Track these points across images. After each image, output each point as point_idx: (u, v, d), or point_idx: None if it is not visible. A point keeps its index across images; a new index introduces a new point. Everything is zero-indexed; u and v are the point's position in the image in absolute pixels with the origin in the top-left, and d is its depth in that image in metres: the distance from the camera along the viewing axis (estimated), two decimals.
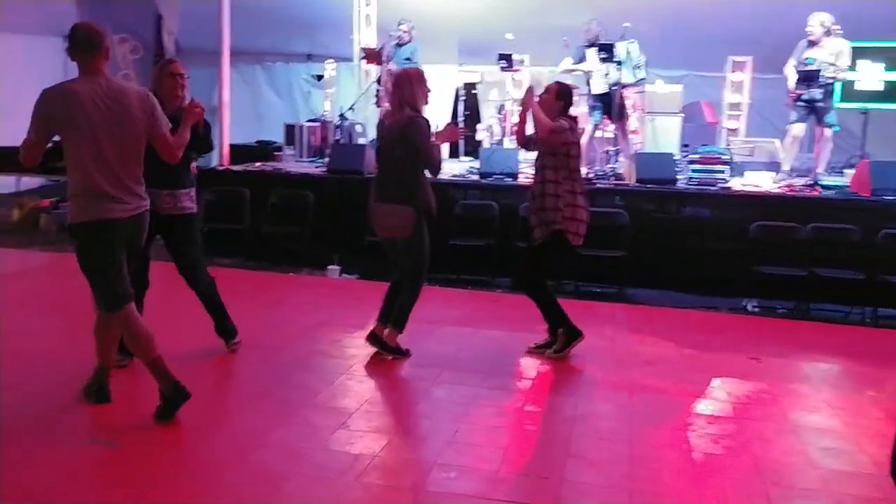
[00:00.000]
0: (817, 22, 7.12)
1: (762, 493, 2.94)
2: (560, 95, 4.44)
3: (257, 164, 8.39)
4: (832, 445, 3.42)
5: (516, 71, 8.86)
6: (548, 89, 4.50)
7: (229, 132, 8.30)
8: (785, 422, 3.72)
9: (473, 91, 10.66)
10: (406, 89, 4.21)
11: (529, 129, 4.60)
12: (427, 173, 4.26)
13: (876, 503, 2.89)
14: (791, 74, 7.23)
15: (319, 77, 11.82)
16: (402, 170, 4.19)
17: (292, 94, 13.32)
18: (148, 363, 3.39)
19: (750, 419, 3.73)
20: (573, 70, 7.91)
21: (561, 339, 4.57)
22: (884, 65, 8.45)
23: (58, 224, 8.13)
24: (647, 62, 8.02)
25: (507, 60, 8.15)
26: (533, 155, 4.66)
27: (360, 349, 4.54)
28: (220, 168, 8.06)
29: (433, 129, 4.27)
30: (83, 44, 3.24)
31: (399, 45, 8.35)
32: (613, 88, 7.71)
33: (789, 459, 3.28)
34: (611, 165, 7.89)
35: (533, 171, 4.57)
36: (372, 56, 8.78)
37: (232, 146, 8.40)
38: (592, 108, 7.99)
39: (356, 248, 6.79)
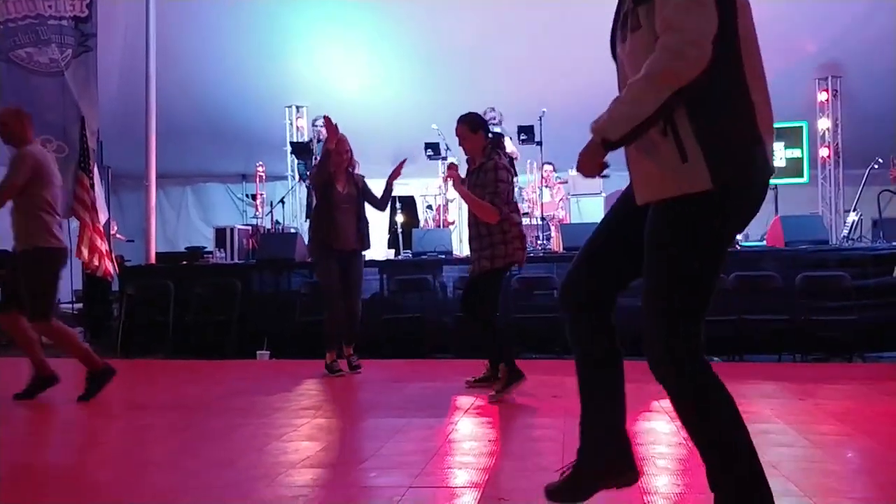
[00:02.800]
0: None
1: None
2: (474, 126, 4.31)
3: (183, 262, 8.18)
4: (779, 440, 3.27)
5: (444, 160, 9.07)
6: (461, 129, 4.33)
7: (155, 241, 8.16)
8: None
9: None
10: None
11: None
12: None
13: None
14: None
15: (253, 196, 11.91)
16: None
17: (228, 212, 13.33)
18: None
19: None
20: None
21: (502, 378, 4.29)
22: (783, 143, 9.08)
23: None
24: None
25: (433, 150, 8.40)
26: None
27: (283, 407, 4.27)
28: (145, 264, 7.83)
29: None
30: None
31: (319, 141, 8.56)
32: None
33: None
34: (541, 243, 8.01)
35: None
36: (301, 150, 8.96)
37: (159, 253, 8.18)
38: None
39: (288, 330, 6.64)
